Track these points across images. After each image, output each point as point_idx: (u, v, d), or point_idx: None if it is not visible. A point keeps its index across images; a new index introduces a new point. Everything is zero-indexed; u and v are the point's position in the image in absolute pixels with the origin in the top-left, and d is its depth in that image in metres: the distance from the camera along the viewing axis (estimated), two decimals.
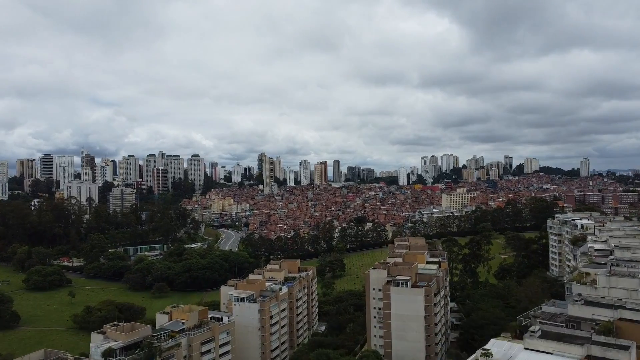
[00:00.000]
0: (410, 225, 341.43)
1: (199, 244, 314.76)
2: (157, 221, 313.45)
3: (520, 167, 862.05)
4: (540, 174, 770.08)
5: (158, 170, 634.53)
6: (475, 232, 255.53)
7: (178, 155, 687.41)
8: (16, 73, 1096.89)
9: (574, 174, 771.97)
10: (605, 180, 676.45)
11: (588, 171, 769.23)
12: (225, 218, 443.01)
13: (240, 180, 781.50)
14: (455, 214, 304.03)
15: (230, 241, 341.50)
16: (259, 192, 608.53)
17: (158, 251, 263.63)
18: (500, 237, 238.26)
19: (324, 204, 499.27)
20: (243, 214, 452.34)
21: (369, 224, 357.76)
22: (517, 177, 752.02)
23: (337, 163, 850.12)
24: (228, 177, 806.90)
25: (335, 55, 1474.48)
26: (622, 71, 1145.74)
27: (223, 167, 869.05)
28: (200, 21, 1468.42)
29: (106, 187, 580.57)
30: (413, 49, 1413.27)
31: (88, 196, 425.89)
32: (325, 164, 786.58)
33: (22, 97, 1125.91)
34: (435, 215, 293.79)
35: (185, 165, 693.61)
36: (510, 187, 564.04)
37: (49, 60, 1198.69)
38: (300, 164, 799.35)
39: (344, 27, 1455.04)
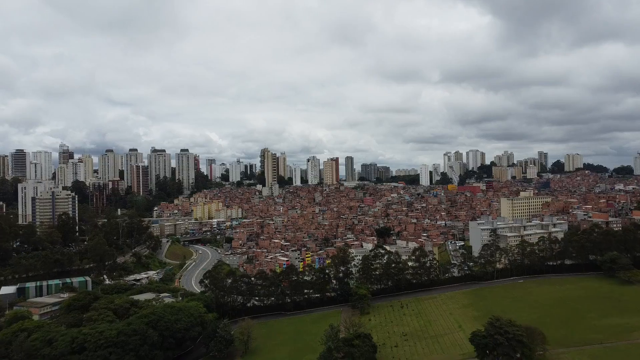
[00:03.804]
0: (458, 248, 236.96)
1: (151, 274, 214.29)
2: (90, 240, 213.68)
3: (558, 164, 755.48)
4: (587, 172, 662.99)
5: (138, 167, 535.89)
6: (593, 268, 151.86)
7: (164, 150, 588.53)
8: (40, 73, 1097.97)
9: (626, 171, 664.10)
10: None
11: None
12: (203, 230, 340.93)
13: (239, 179, 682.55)
14: (538, 232, 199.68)
15: (202, 266, 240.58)
16: (257, 193, 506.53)
17: (65, 296, 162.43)
18: None
19: (335, 209, 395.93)
20: (229, 223, 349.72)
21: (400, 242, 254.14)
22: (559, 176, 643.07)
23: (350, 160, 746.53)
24: (225, 176, 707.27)
25: (356, 52, 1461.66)
26: None
27: (222, 164, 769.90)
28: (222, 20, 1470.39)
29: (77, 188, 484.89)
30: (436, 43, 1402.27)
31: None
32: (336, 160, 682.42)
33: (47, 97, 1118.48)
34: (510, 236, 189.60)
35: (174, 162, 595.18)
36: (569, 188, 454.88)
37: (71, 59, 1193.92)
38: (309, 160, 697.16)
39: (366, 22, 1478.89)
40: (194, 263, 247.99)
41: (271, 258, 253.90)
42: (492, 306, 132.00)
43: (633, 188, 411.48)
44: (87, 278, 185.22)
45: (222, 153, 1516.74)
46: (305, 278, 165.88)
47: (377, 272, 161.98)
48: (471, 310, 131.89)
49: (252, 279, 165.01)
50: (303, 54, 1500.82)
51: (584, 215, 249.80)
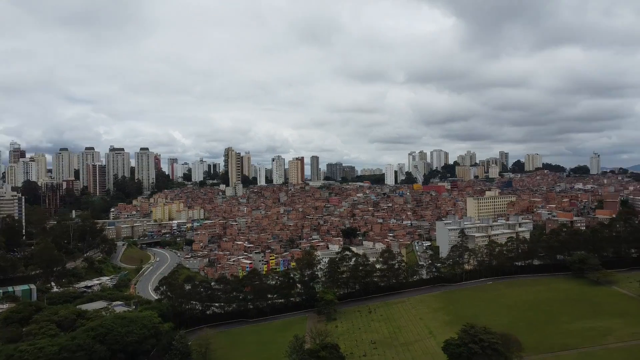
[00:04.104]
0: (425, 249, 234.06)
1: (104, 280, 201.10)
2: (37, 244, 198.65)
3: (519, 164, 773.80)
4: (546, 171, 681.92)
5: (95, 166, 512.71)
6: (562, 268, 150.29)
7: (123, 149, 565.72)
8: None
9: (582, 171, 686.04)
10: (620, 178, 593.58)
11: (599, 168, 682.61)
12: (162, 232, 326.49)
13: (202, 179, 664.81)
14: (505, 232, 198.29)
15: (160, 270, 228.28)
16: (220, 193, 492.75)
17: (4, 307, 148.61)
18: (615, 276, 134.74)
19: (300, 209, 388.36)
20: (190, 224, 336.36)
21: (366, 242, 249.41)
22: (519, 176, 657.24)
23: (315, 159, 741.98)
24: (188, 176, 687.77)
25: (323, 51, 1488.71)
26: (607, 69, 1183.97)
27: (185, 163, 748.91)
28: (188, 17, 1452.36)
29: (28, 188, 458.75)
30: (402, 44, 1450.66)
31: None
32: (301, 160, 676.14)
33: (1, 93, 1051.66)
34: (478, 236, 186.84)
35: (133, 161, 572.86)
36: (530, 187, 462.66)
37: (29, 54, 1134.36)
38: (273, 160, 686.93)
39: (333, 22, 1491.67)
40: (151, 267, 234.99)
41: (234, 261, 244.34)
42: (463, 310, 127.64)
43: (592, 187, 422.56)
44: (32, 286, 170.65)
45: (187, 152, 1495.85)
46: (269, 282, 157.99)
47: (344, 276, 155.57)
48: (442, 314, 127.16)
49: (213, 284, 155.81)
50: (270, 53, 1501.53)
51: (549, 214, 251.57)
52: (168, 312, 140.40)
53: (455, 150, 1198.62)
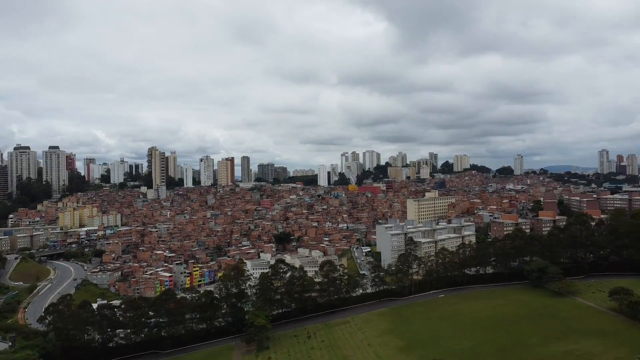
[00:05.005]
0: (366, 255, 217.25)
1: None
2: None
3: (447, 165, 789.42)
4: (473, 172, 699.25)
5: None
6: (517, 277, 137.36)
7: (28, 147, 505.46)
8: None
9: (507, 171, 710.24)
10: (541, 178, 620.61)
11: (522, 169, 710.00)
12: (68, 242, 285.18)
13: (122, 180, 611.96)
14: (452, 237, 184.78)
15: (60, 288, 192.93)
16: (141, 196, 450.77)
17: None
18: (575, 286, 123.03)
19: (230, 213, 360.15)
20: (102, 232, 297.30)
21: (301, 250, 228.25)
22: (449, 176, 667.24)
23: (246, 160, 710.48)
24: (106, 177, 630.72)
25: (256, 51, 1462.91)
26: (524, 77, 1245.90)
27: (104, 163, 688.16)
28: (112, 11, 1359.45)
29: None
30: (335, 47, 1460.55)
31: None
32: (231, 160, 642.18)
33: None
34: (424, 242, 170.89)
35: (41, 162, 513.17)
36: (462, 188, 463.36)
37: None
38: (202, 160, 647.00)
39: (267, 22, 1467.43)
40: (49, 285, 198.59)
41: (151, 274, 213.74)
42: (418, 332, 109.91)
43: (522, 187, 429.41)
44: None
45: (111, 153, 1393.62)
46: (188, 300, 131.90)
47: (279, 293, 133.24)
48: (393, 338, 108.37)
49: (115, 309, 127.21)
50: (201, 51, 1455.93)
51: (490, 216, 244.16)
52: (55, 350, 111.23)
53: (385, 152, 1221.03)
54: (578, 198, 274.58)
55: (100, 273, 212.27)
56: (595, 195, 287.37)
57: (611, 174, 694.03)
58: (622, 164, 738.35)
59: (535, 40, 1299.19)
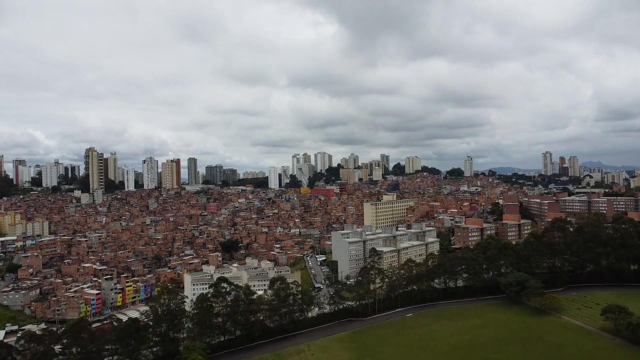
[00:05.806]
0: (320, 264, 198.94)
1: None
2: None
3: (399, 167, 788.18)
4: (425, 173, 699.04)
5: None
6: (491, 290, 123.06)
7: None
8: None
9: (457, 173, 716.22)
10: (490, 180, 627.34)
11: (471, 171, 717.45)
12: None
13: (56, 184, 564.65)
14: (415, 244, 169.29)
15: None
16: (74, 201, 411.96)
17: None
18: (557, 301, 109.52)
19: (172, 218, 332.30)
20: (21, 242, 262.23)
21: (250, 260, 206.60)
22: (401, 178, 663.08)
23: (193, 161, 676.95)
24: (38, 180, 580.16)
25: (204, 51, 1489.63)
26: (468, 82, 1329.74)
27: (37, 165, 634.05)
28: (49, 5, 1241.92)
29: None
30: (285, 49, 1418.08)
31: None
32: (177, 162, 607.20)
33: None
34: (386, 252, 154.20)
35: None
36: (416, 190, 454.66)
37: None
38: (144, 162, 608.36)
39: (215, 22, 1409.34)
40: None
41: (75, 291, 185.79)
42: None
43: (476, 189, 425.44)
44: None
45: (50, 154, 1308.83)
46: (107, 329, 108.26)
47: (220, 317, 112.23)
48: None
49: (20, 341, 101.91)
50: (146, 50, 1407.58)
51: (452, 220, 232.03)
52: None
53: (336, 154, 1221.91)
54: (538, 200, 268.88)
55: (12, 292, 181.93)
56: (555, 198, 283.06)
57: (555, 175, 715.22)
58: (564, 165, 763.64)
59: (478, 46, 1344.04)
